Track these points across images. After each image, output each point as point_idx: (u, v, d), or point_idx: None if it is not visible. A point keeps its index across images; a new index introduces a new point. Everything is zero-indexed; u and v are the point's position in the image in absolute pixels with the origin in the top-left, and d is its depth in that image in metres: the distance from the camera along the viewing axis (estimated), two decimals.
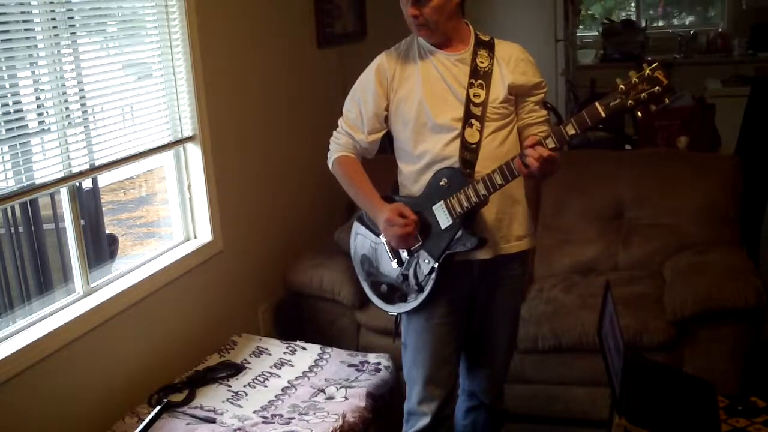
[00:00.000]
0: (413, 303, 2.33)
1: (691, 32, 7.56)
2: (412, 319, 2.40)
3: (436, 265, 2.26)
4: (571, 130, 2.05)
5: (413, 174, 2.33)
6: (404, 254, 2.33)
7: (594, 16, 8.39)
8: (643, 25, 7.71)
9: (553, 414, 3.13)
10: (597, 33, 7.81)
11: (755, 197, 3.98)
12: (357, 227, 2.49)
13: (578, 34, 7.48)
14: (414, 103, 2.28)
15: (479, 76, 2.26)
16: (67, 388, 2.43)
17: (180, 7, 2.92)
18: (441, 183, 2.24)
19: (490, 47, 2.30)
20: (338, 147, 2.41)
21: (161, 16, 2.89)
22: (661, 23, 8.20)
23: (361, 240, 2.47)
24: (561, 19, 5.74)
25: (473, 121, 2.24)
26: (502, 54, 2.30)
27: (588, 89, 6.50)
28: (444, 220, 2.24)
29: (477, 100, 2.24)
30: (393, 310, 2.41)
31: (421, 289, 2.31)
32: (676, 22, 8.15)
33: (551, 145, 2.07)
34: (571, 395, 3.09)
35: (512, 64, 2.29)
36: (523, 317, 3.07)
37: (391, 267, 2.37)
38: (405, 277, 2.33)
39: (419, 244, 2.29)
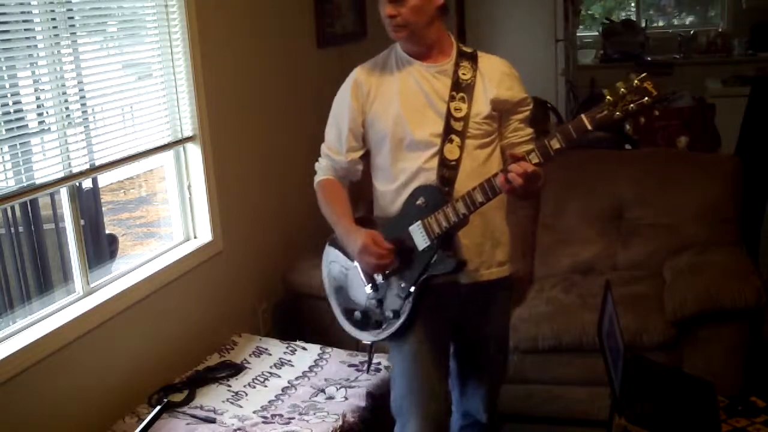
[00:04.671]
0: (389, 330, 2.19)
1: (691, 32, 7.56)
2: (401, 347, 2.22)
3: (412, 290, 2.13)
4: (556, 144, 1.96)
5: (390, 194, 2.22)
6: (379, 278, 2.20)
7: (594, 16, 8.38)
8: (643, 25, 7.71)
9: (553, 414, 3.13)
10: (597, 33, 7.80)
11: (755, 197, 3.98)
12: (328, 251, 2.36)
13: (578, 34, 7.47)
14: (391, 117, 2.17)
15: (461, 88, 2.15)
16: (67, 388, 2.43)
17: (180, 7, 2.92)
18: (418, 202, 2.12)
19: (473, 59, 2.20)
20: (320, 171, 2.32)
21: (161, 16, 2.89)
22: (661, 23, 8.20)
23: (333, 265, 2.35)
24: (561, 19, 5.73)
25: (453, 136, 2.12)
26: (485, 67, 2.19)
27: (588, 89, 6.50)
28: (421, 241, 2.12)
29: (458, 114, 2.13)
30: (368, 338, 2.28)
31: (397, 316, 2.16)
32: (676, 22, 8.15)
33: (535, 160, 1.97)
34: (571, 395, 3.09)
35: (497, 78, 2.18)
36: (523, 317, 3.08)
37: (363, 292, 2.24)
38: (380, 302, 2.20)
39: (395, 267, 2.15)
